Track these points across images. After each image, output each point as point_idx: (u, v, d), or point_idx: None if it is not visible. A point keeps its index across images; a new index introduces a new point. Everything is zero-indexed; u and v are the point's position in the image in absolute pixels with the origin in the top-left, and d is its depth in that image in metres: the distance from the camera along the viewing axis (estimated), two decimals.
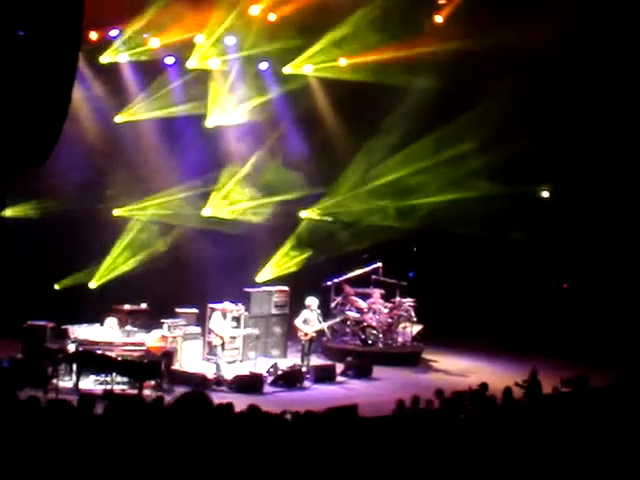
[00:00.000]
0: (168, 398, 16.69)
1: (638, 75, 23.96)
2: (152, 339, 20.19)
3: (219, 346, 20.81)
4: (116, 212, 24.89)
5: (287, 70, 25.18)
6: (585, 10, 22.41)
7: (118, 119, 24.24)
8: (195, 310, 22.20)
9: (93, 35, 22.55)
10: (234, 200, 26.02)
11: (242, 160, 25.80)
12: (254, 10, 23.55)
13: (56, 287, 23.81)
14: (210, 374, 20.26)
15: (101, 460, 9.17)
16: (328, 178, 26.72)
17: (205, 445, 9.20)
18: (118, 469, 9.04)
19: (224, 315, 21.30)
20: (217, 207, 25.89)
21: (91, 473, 9.07)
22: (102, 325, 20.33)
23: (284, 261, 26.44)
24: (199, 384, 19.63)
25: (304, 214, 27.07)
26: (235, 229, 25.53)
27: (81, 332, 20.04)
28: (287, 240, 26.71)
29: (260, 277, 25.73)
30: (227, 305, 21.57)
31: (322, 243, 26.85)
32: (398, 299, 24.02)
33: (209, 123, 25.10)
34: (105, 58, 23.28)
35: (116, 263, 24.60)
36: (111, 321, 20.29)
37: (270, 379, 20.52)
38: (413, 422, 12.36)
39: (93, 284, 24.27)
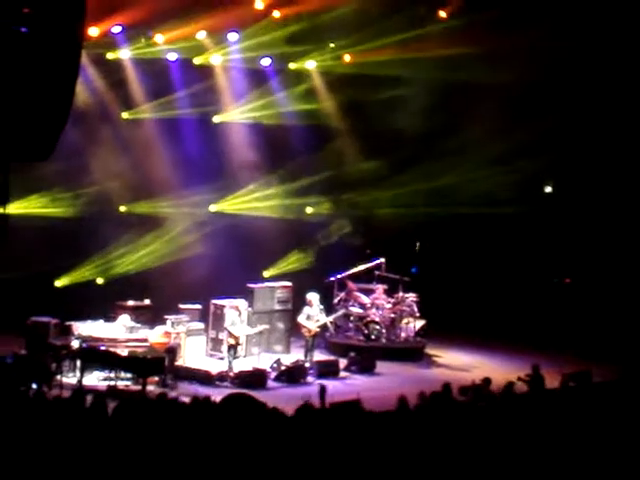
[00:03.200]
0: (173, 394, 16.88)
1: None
2: (156, 335, 20.23)
3: (232, 345, 20.77)
4: (122, 208, 24.91)
5: (291, 66, 25.22)
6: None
7: (125, 115, 24.30)
8: (198, 306, 22.21)
9: (95, 31, 22.50)
10: (241, 195, 26.07)
11: (249, 156, 25.83)
12: (258, 5, 23.53)
13: (57, 284, 23.80)
14: (216, 370, 20.25)
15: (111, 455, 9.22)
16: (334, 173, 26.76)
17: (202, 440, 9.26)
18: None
19: (239, 313, 21.30)
20: (223, 203, 25.90)
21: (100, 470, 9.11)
22: (113, 322, 20.38)
23: (293, 258, 26.42)
24: (202, 379, 19.70)
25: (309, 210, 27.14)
26: (240, 225, 25.53)
27: (85, 328, 20.09)
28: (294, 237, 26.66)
29: (266, 273, 25.71)
30: (241, 302, 21.57)
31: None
32: (401, 294, 24.03)
33: (216, 119, 25.17)
34: (108, 54, 23.27)
35: (121, 259, 24.61)
36: (124, 318, 20.33)
37: (273, 375, 20.56)
38: (416, 417, 12.37)
39: (100, 280, 24.29)
